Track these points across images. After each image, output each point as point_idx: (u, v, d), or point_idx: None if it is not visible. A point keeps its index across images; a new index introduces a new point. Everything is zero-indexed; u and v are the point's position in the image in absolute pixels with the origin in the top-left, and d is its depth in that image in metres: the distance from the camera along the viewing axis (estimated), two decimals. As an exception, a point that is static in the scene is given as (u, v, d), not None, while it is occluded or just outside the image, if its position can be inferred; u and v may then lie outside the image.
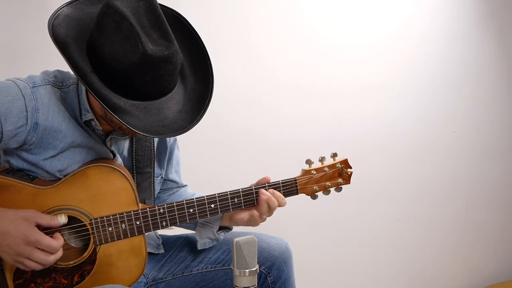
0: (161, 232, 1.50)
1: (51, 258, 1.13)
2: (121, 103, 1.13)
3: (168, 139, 1.46)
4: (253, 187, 1.33)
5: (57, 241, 1.14)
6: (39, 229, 1.13)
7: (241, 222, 1.37)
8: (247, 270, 1.13)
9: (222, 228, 1.44)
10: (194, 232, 1.48)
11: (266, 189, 1.33)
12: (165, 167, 1.48)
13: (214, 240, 1.43)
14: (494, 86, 2.50)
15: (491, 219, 2.58)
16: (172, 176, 1.53)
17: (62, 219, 1.15)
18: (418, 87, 2.41)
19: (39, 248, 1.11)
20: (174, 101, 1.18)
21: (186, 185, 1.59)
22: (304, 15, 2.25)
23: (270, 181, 1.35)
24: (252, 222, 1.35)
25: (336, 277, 2.44)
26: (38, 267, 1.13)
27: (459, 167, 2.51)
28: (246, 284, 1.14)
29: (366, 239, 2.45)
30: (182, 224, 1.45)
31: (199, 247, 1.43)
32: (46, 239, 1.11)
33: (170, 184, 1.54)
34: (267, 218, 1.38)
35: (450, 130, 2.48)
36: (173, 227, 1.39)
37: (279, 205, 1.34)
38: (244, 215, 1.36)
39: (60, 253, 1.15)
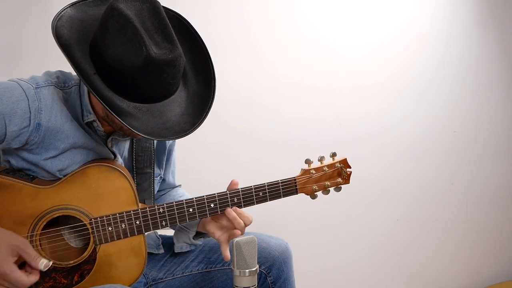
0: (161, 232, 1.50)
1: None
2: (123, 105, 1.13)
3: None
4: (253, 186, 1.33)
5: (28, 278, 1.10)
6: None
7: (212, 236, 1.34)
8: (247, 270, 1.14)
9: (200, 234, 1.42)
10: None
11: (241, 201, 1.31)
12: (164, 167, 1.49)
13: (191, 245, 1.43)
14: (494, 86, 2.50)
15: (491, 219, 2.58)
16: (168, 177, 1.53)
17: (44, 263, 1.11)
18: (418, 88, 2.41)
19: (5, 281, 1.08)
20: (177, 103, 1.19)
21: (179, 186, 1.59)
22: (304, 16, 2.25)
23: (238, 186, 1.32)
24: (224, 242, 1.31)
25: (336, 277, 2.44)
26: None
27: (459, 167, 2.51)
28: (246, 284, 1.14)
29: (366, 239, 2.45)
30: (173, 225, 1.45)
31: (176, 250, 1.44)
32: (14, 275, 1.08)
33: (166, 185, 1.55)
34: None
35: (450, 130, 2.48)
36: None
37: (246, 224, 1.30)
38: (214, 229, 1.33)
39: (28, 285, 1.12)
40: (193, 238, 1.41)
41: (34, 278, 1.12)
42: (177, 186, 1.58)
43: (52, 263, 1.19)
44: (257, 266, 1.15)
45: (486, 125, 2.51)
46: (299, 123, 2.28)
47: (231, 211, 1.28)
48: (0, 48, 1.90)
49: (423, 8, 2.38)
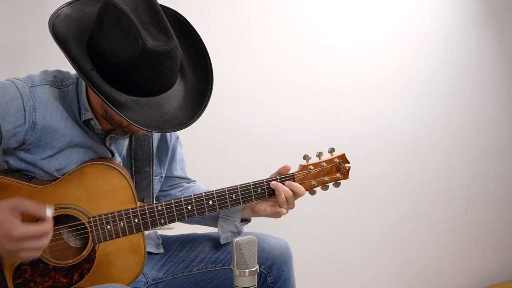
0: (161, 232, 1.49)
1: (43, 242, 1.07)
2: (122, 99, 1.13)
3: (169, 138, 1.47)
4: (251, 183, 1.33)
5: (46, 224, 1.07)
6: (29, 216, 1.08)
7: (263, 214, 1.38)
8: (247, 270, 1.13)
9: (242, 220, 1.44)
10: (199, 231, 1.48)
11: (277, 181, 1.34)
12: (165, 166, 1.49)
13: (236, 234, 1.43)
14: (494, 86, 2.50)
15: (491, 219, 2.58)
16: (178, 173, 1.53)
17: (50, 210, 1.07)
18: (418, 87, 2.41)
19: (26, 241, 1.05)
20: (175, 97, 1.19)
21: (195, 181, 1.59)
22: (304, 15, 2.25)
23: (289, 171, 1.36)
24: (276, 215, 1.36)
25: (336, 277, 2.44)
26: (36, 255, 1.08)
27: (459, 167, 2.51)
28: (246, 284, 1.14)
29: (367, 239, 2.45)
30: (200, 221, 1.45)
31: (222, 241, 1.42)
32: (31, 229, 1.04)
33: (178, 181, 1.55)
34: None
35: (450, 130, 2.48)
36: (173, 227, 1.39)
37: (299, 195, 1.35)
38: (265, 206, 1.37)
39: (51, 233, 1.09)
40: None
41: (49, 225, 1.07)
42: (193, 181, 1.58)
43: (52, 262, 1.19)
44: (257, 266, 1.15)
45: (486, 125, 2.51)
46: (299, 122, 2.28)
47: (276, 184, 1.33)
48: (0, 48, 1.90)
49: (422, 8, 2.38)
